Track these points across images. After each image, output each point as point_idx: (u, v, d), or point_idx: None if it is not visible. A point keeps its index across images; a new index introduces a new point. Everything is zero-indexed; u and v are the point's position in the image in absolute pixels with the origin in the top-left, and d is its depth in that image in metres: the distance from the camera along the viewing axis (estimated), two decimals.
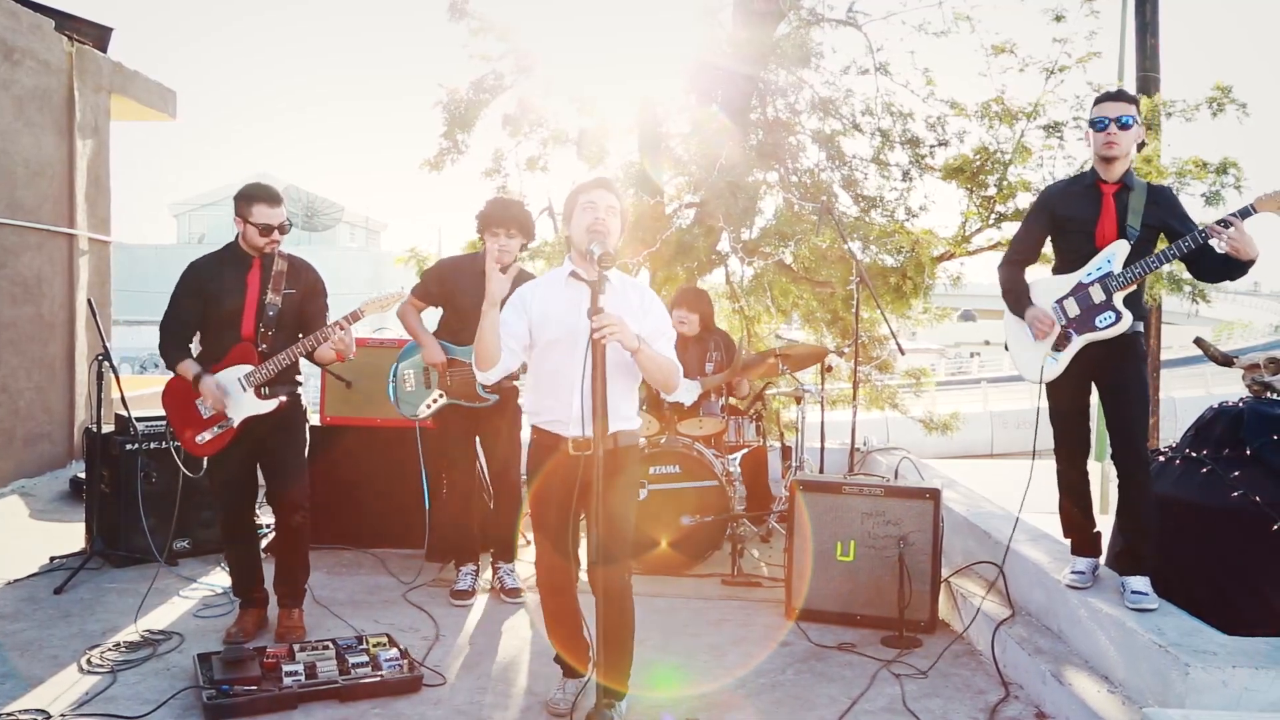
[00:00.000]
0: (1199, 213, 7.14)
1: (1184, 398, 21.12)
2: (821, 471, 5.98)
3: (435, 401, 4.64)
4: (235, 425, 3.95)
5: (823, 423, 5.94)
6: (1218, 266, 3.49)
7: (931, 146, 7.88)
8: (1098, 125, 3.56)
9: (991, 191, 7.48)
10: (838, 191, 7.82)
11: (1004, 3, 12.13)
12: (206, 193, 40.19)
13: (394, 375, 4.81)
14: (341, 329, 3.92)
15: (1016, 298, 3.78)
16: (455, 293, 4.62)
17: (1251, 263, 3.36)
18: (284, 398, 4.01)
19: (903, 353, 6.30)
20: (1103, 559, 3.85)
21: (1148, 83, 9.49)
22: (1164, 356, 11.37)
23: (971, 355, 39.52)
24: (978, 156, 7.47)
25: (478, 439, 4.81)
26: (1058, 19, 7.38)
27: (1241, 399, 3.96)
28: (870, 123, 8.08)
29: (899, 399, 9.12)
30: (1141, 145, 3.60)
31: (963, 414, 13.03)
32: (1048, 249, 3.88)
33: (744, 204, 7.03)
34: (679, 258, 7.50)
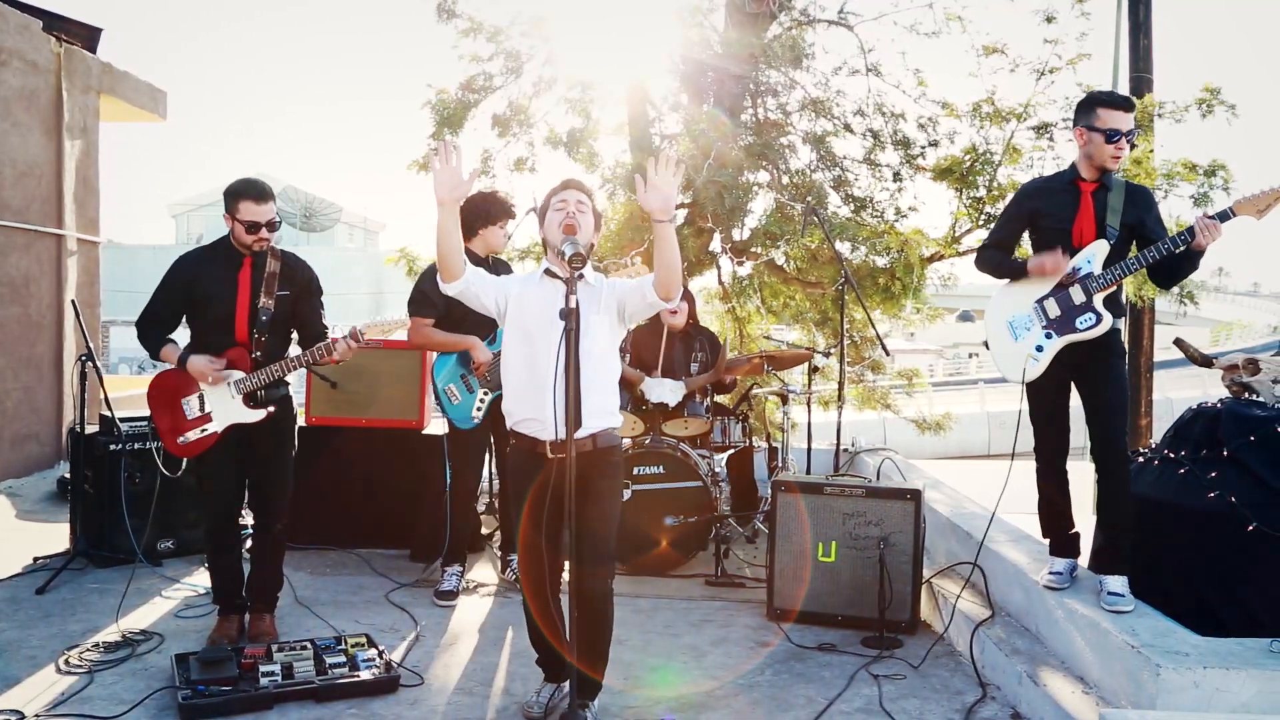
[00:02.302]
0: (1188, 215, 7.18)
1: (1181, 399, 21.08)
2: (808, 472, 5.98)
3: (484, 401, 4.58)
4: (220, 430, 3.89)
5: (809, 423, 5.94)
6: (1175, 267, 3.51)
7: (923, 147, 7.88)
8: (1111, 136, 3.48)
9: (981, 192, 7.47)
10: (828, 191, 7.83)
11: (995, 3, 12.13)
12: (205, 193, 40.14)
13: (441, 394, 4.64)
14: (348, 349, 3.85)
15: (1008, 268, 3.74)
16: (449, 302, 4.59)
17: (1201, 255, 3.38)
18: (272, 408, 3.93)
19: (888, 353, 6.30)
20: (1085, 560, 3.85)
21: (1141, 84, 9.49)
22: (1162, 357, 11.36)
23: (970, 356, 39.52)
24: (967, 157, 7.47)
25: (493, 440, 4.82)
26: (1049, 20, 7.38)
27: (1220, 400, 3.96)
28: (862, 123, 8.09)
29: (891, 400, 9.12)
30: (1133, 146, 3.59)
31: (960, 414, 13.01)
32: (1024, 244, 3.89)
33: (732, 204, 7.04)
34: None
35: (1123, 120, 3.49)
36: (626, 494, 5.07)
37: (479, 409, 4.59)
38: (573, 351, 2.82)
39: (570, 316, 2.84)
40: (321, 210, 38.60)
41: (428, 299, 4.51)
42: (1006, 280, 3.78)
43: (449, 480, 4.81)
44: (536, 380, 3.07)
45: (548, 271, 3.16)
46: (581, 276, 3.03)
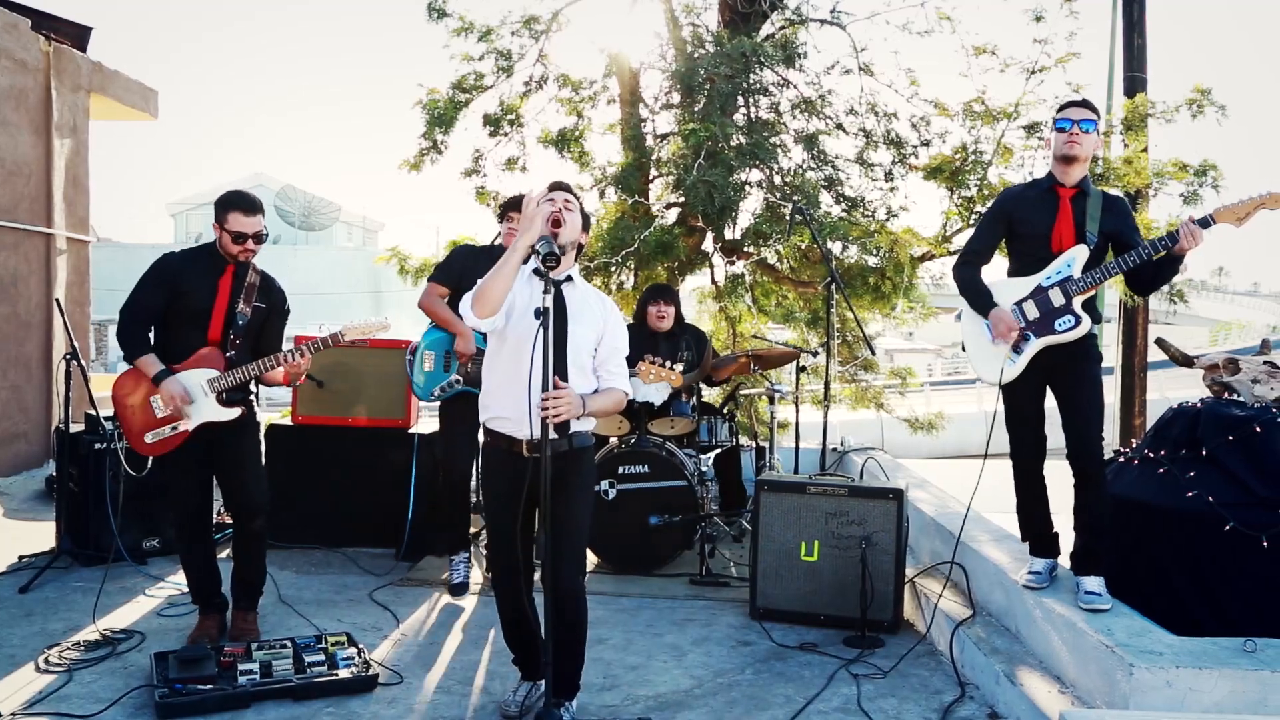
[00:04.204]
0: (1179, 215, 7.17)
1: (1179, 399, 20.90)
2: (796, 472, 5.98)
3: (451, 386, 4.63)
4: (191, 429, 3.89)
5: (796, 423, 5.94)
6: (1153, 273, 3.52)
7: (915, 146, 7.87)
8: (1061, 126, 3.58)
9: (972, 192, 7.46)
10: (820, 191, 7.82)
11: (986, 3, 12.13)
12: (203, 192, 40.12)
13: (416, 353, 4.78)
14: (308, 353, 3.91)
15: (977, 297, 3.78)
16: (464, 280, 4.63)
17: (1181, 259, 3.40)
18: (243, 407, 3.96)
19: (873, 353, 6.30)
20: (1066, 560, 3.84)
21: (1135, 83, 9.49)
22: (1159, 357, 11.34)
23: None
24: (958, 156, 7.46)
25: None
26: (1037, 19, 7.37)
27: (1201, 400, 3.96)
28: (854, 122, 8.08)
29: (885, 399, 9.12)
30: (1087, 132, 3.58)
31: (959, 414, 12.98)
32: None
33: (722, 204, 7.03)
34: (658, 257, 7.52)
35: (1073, 112, 3.57)
36: (611, 493, 5.08)
37: (442, 390, 4.66)
38: (549, 346, 2.87)
39: (545, 316, 2.87)
40: (320, 209, 38.60)
41: (448, 269, 4.70)
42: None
43: (413, 474, 4.87)
44: (516, 378, 3.08)
45: (536, 271, 3.16)
46: (570, 279, 3.08)
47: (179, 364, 3.88)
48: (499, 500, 3.21)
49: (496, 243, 4.72)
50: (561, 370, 3.02)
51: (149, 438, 3.90)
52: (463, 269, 4.62)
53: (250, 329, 4.00)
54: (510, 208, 4.55)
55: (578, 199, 3.25)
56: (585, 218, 3.30)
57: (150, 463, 4.07)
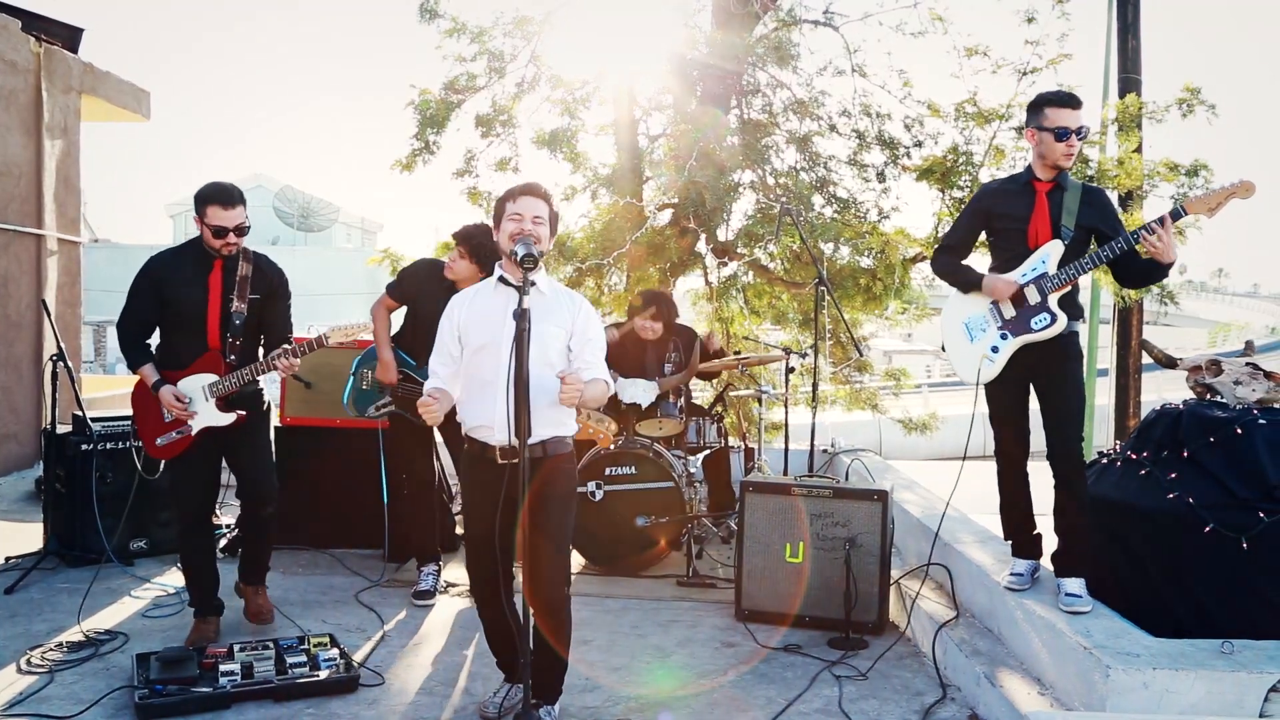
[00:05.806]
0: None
1: (1179, 400, 20.86)
2: (785, 473, 5.97)
3: (385, 406, 4.72)
4: (193, 433, 3.92)
5: (786, 424, 5.93)
6: (1140, 271, 3.51)
7: (908, 147, 7.87)
8: (1060, 135, 3.49)
9: (963, 193, 7.45)
10: (812, 192, 7.81)
11: (979, 3, 12.11)
12: None
13: (354, 371, 4.84)
14: (297, 355, 3.91)
15: (961, 274, 3.75)
16: (418, 297, 4.64)
17: (1170, 266, 3.38)
18: (244, 411, 3.97)
19: (861, 354, 6.29)
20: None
21: (1128, 85, 9.48)
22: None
23: None
24: (949, 157, 7.46)
25: (439, 438, 4.83)
26: (1029, 20, 7.37)
27: (1184, 401, 3.96)
28: (847, 124, 8.08)
29: (879, 400, 9.11)
30: (1083, 140, 3.57)
31: (956, 415, 12.98)
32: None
33: (714, 205, 7.03)
34: (651, 258, 7.51)
35: (1071, 118, 3.49)
36: (599, 494, 5.08)
37: (376, 409, 4.75)
38: (524, 353, 2.82)
39: (522, 318, 2.84)
40: (319, 210, 38.57)
41: (400, 286, 4.73)
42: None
43: (383, 472, 4.98)
44: (487, 386, 3.07)
45: (501, 279, 3.14)
46: (534, 284, 3.03)
47: (182, 370, 3.92)
48: (475, 507, 3.20)
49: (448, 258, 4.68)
50: (526, 376, 2.90)
51: (159, 441, 3.96)
52: (417, 291, 4.66)
53: (249, 326, 3.98)
54: (460, 239, 4.52)
55: (549, 202, 3.16)
56: (554, 218, 3.21)
57: (162, 465, 4.10)
